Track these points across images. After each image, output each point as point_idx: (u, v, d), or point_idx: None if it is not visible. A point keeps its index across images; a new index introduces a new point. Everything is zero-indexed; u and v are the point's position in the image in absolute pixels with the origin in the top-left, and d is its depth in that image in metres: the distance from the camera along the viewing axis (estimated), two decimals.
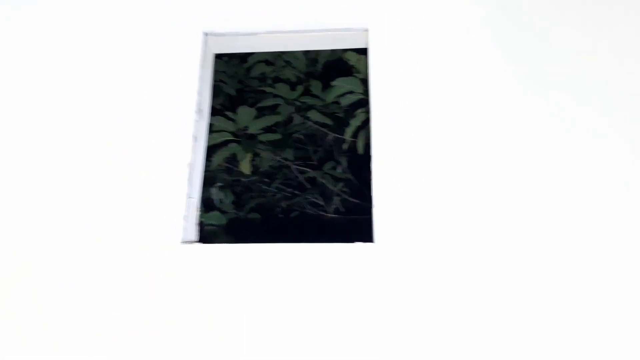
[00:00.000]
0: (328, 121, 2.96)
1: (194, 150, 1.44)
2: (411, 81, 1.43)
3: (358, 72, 2.69)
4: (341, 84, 2.55)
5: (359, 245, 1.27)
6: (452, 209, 1.29)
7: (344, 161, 3.18)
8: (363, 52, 1.66)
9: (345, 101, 2.69)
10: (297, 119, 3.03)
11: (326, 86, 2.87)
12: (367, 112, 1.50)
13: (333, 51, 2.92)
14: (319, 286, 1.23)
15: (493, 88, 1.41)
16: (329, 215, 3.18)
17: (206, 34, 1.57)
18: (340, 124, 2.96)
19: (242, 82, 3.20)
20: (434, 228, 1.27)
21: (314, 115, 2.89)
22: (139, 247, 1.29)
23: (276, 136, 2.91)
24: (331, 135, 3.09)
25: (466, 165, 1.33)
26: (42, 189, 1.38)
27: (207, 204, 3.01)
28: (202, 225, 1.47)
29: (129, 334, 1.22)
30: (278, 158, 3.15)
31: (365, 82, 2.44)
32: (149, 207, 1.34)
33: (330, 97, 2.70)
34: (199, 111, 1.49)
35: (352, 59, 2.54)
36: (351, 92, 2.64)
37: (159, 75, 1.50)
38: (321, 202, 3.26)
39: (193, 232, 1.38)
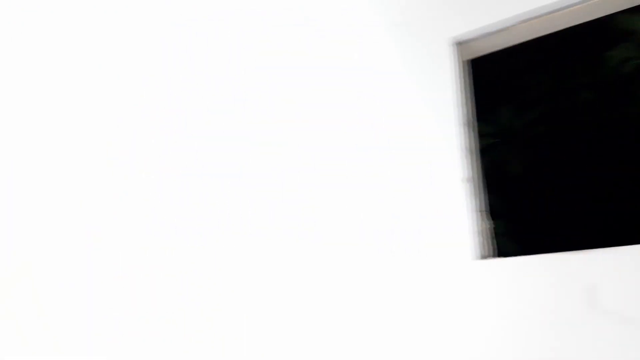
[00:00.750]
0: (601, 98, 2.56)
1: (472, 162, 1.40)
2: None
3: (631, 34, 2.27)
4: (615, 53, 2.18)
5: None
6: None
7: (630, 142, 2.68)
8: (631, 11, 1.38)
9: (623, 70, 2.29)
10: (563, 103, 2.71)
11: (590, 60, 2.50)
12: None
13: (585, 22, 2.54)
14: None
15: None
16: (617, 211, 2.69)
17: (458, 44, 1.54)
18: (617, 98, 2.53)
19: (488, 81, 3.04)
20: None
21: (584, 94, 2.53)
22: (435, 266, 1.30)
23: (542, 129, 2.66)
24: (609, 113, 2.66)
25: None
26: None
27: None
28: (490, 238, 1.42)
29: (431, 347, 1.22)
30: (547, 152, 2.86)
31: None
32: (439, 225, 1.34)
33: (604, 71, 2.33)
34: (467, 123, 1.45)
35: (625, 22, 2.15)
36: (628, 60, 2.24)
37: (421, 93, 1.51)
38: (604, 199, 2.79)
39: (489, 247, 1.33)
